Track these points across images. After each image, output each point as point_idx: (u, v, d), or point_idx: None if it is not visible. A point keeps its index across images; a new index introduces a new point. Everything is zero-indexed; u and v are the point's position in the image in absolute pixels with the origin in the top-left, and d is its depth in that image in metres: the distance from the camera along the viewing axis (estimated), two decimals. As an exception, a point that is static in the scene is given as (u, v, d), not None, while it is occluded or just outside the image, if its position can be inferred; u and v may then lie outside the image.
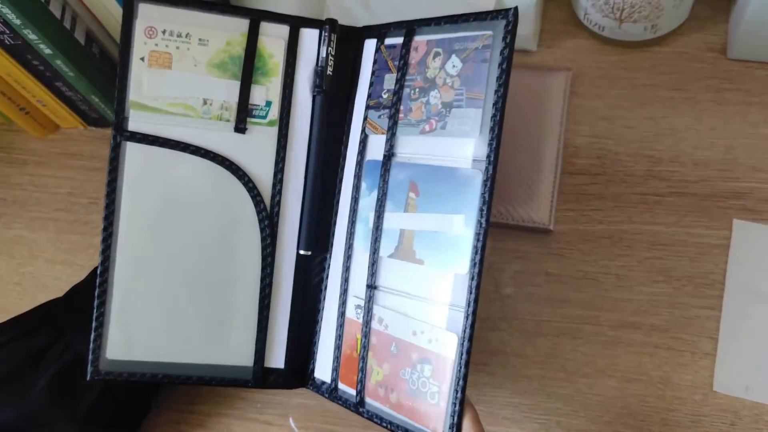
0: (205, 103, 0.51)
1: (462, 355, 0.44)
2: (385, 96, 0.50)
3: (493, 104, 0.44)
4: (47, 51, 0.59)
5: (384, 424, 0.47)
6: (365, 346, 0.49)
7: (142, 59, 0.50)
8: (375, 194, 0.49)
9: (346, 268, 0.51)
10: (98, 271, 0.50)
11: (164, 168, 0.50)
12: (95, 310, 0.50)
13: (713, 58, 0.62)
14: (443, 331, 0.45)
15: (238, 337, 0.52)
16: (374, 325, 0.48)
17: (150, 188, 0.50)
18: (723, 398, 0.55)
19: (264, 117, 0.52)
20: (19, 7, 0.55)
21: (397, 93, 0.49)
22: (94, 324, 0.50)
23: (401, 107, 0.49)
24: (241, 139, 0.51)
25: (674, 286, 0.58)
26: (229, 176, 0.51)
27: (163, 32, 0.50)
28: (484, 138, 0.44)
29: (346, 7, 0.63)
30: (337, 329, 0.51)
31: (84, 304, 0.53)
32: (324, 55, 0.52)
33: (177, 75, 0.50)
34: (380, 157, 0.49)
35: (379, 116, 0.50)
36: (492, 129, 0.44)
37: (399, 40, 0.50)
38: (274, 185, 0.52)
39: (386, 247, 0.48)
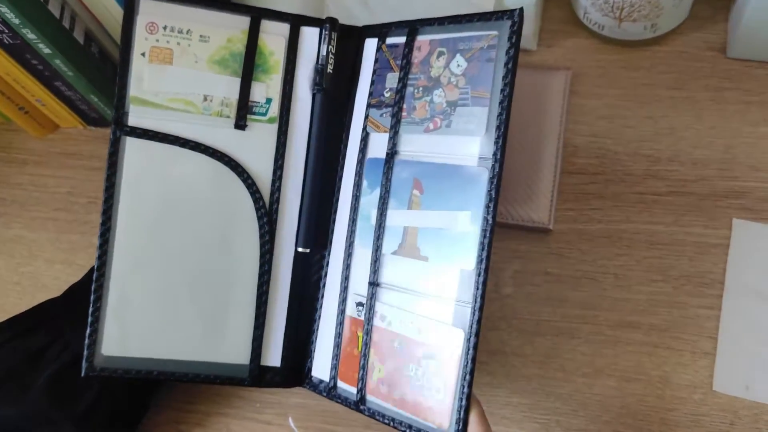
0: (205, 99, 0.51)
1: (468, 350, 0.44)
2: (387, 95, 0.50)
3: (500, 103, 0.44)
4: (46, 50, 0.59)
5: (386, 421, 0.47)
6: (367, 344, 0.48)
7: (143, 55, 0.50)
8: (377, 192, 0.49)
9: (347, 266, 0.51)
10: (95, 266, 0.49)
11: (163, 164, 0.50)
12: (91, 305, 0.49)
13: (713, 58, 0.62)
14: (449, 326, 0.45)
15: (234, 335, 0.52)
16: (376, 322, 0.48)
17: (149, 184, 0.50)
18: (722, 398, 0.55)
19: (264, 114, 0.52)
20: (18, 6, 0.54)
21: (400, 92, 0.49)
22: (90, 319, 0.49)
23: (404, 105, 0.49)
24: (240, 136, 0.51)
25: (673, 285, 0.58)
26: (228, 172, 0.51)
27: (164, 28, 0.50)
28: (490, 136, 0.45)
29: (346, 6, 0.64)
30: (336, 327, 0.51)
31: (82, 303, 0.52)
32: (324, 54, 0.52)
33: (178, 71, 0.50)
34: (382, 155, 0.50)
35: (381, 114, 0.50)
36: (498, 127, 0.44)
37: (401, 39, 0.50)
38: (273, 182, 0.52)
39: (389, 244, 0.48)
